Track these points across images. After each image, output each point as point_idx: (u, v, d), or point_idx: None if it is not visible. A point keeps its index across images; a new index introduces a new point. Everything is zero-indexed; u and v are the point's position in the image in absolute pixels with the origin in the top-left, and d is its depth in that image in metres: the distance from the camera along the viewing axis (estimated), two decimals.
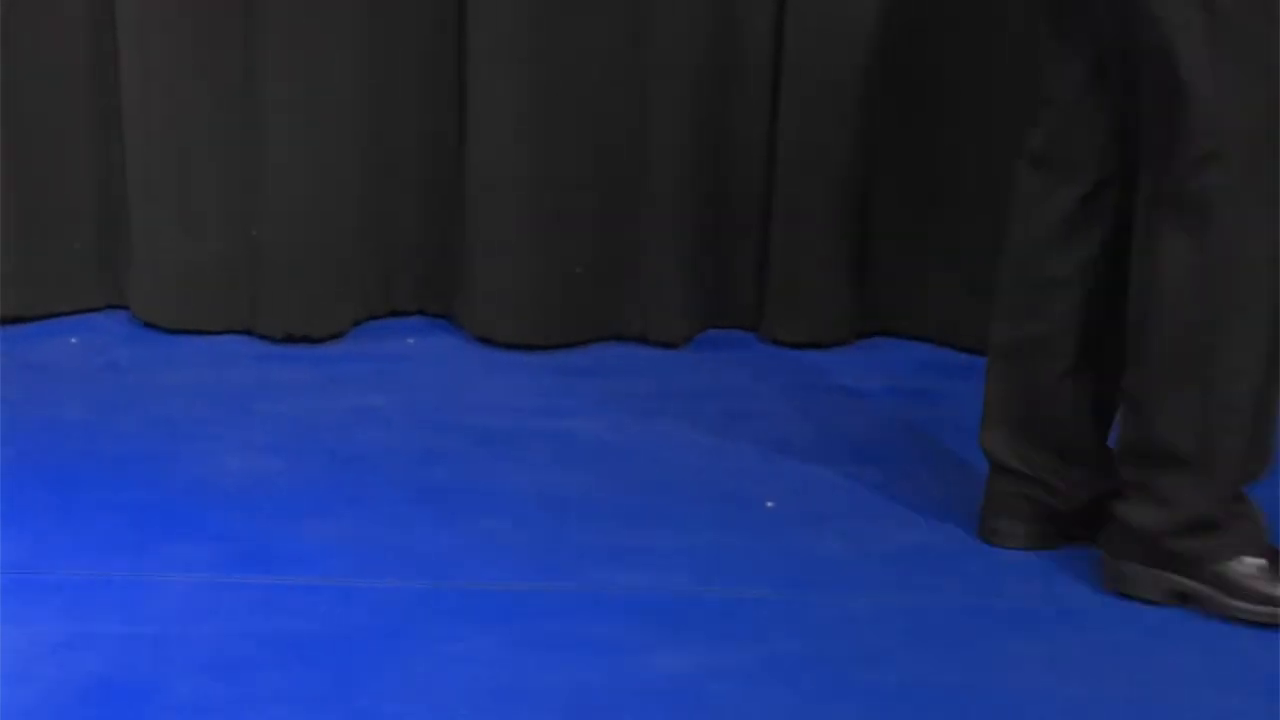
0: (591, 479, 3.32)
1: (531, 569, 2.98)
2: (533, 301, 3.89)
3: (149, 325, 3.89)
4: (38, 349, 3.79)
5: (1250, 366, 2.83)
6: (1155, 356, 2.86)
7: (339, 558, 2.98)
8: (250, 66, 3.76)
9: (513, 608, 2.86)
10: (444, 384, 3.71)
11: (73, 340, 3.85)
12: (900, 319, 4.00)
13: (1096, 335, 2.97)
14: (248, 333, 3.87)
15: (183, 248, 3.83)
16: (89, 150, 3.84)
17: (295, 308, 3.83)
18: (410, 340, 3.92)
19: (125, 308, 3.93)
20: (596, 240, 3.90)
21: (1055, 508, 3.06)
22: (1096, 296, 2.95)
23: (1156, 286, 2.81)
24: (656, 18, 3.81)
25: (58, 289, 3.89)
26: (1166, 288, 2.81)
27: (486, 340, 3.90)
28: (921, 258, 3.95)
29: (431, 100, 3.87)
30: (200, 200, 3.82)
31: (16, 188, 3.80)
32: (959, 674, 2.73)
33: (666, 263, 3.91)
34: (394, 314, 4.00)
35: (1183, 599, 2.91)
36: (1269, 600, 2.87)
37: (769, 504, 3.26)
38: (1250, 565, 2.88)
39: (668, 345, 3.93)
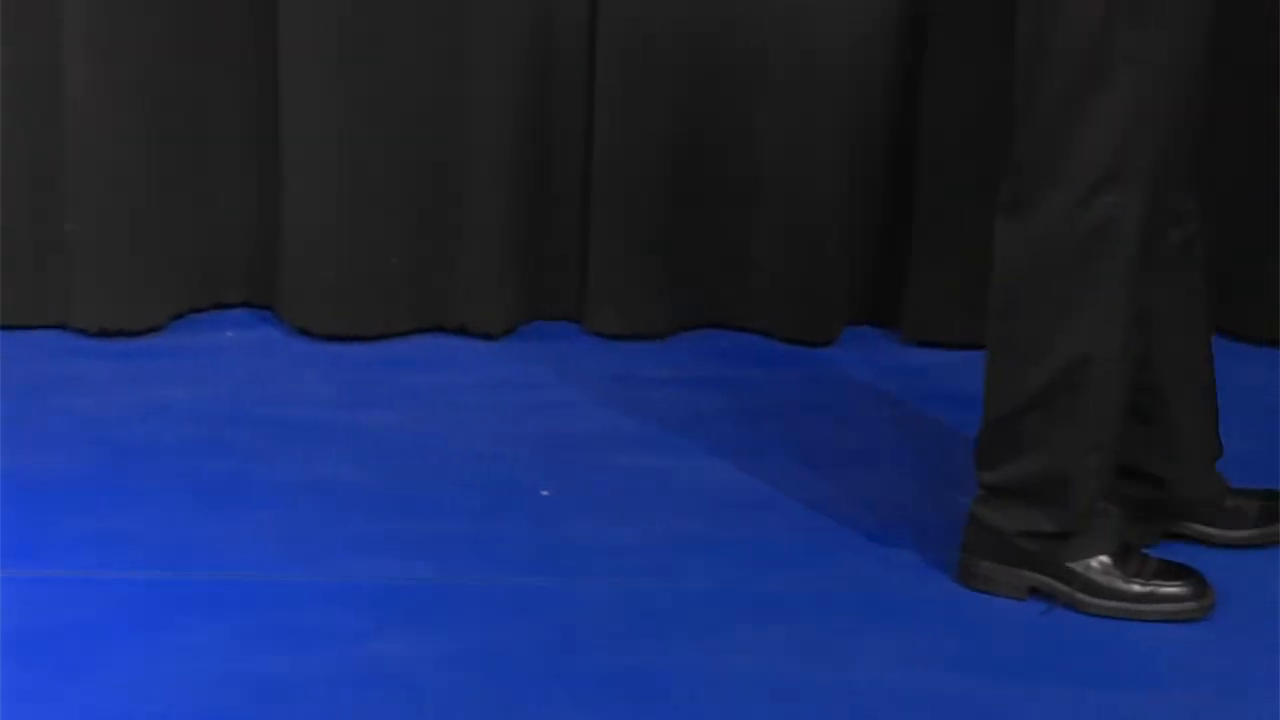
0: (372, 470, 3.33)
1: (281, 559, 3.00)
2: (351, 293, 3.89)
3: None
4: None
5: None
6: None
7: (89, 551, 2.99)
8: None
9: (250, 597, 2.88)
10: (250, 377, 3.72)
11: None
12: (723, 311, 4.00)
13: None
14: (62, 327, 3.88)
15: None
16: None
17: (109, 301, 3.84)
18: (229, 333, 3.92)
19: None
20: (415, 231, 3.90)
21: None
22: None
23: None
24: (473, 7, 3.81)
25: None
26: None
27: (306, 332, 3.91)
28: (743, 250, 3.95)
29: (246, 90, 3.87)
30: (12, 195, 3.83)
31: None
32: (674, 659, 2.74)
33: (487, 254, 3.91)
34: (219, 307, 4.01)
35: (1036, 594, 2.93)
36: (1118, 595, 2.88)
37: (544, 493, 3.27)
38: (1101, 561, 2.89)
39: (488, 337, 3.93)
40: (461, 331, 3.95)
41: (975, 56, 3.76)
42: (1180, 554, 3.00)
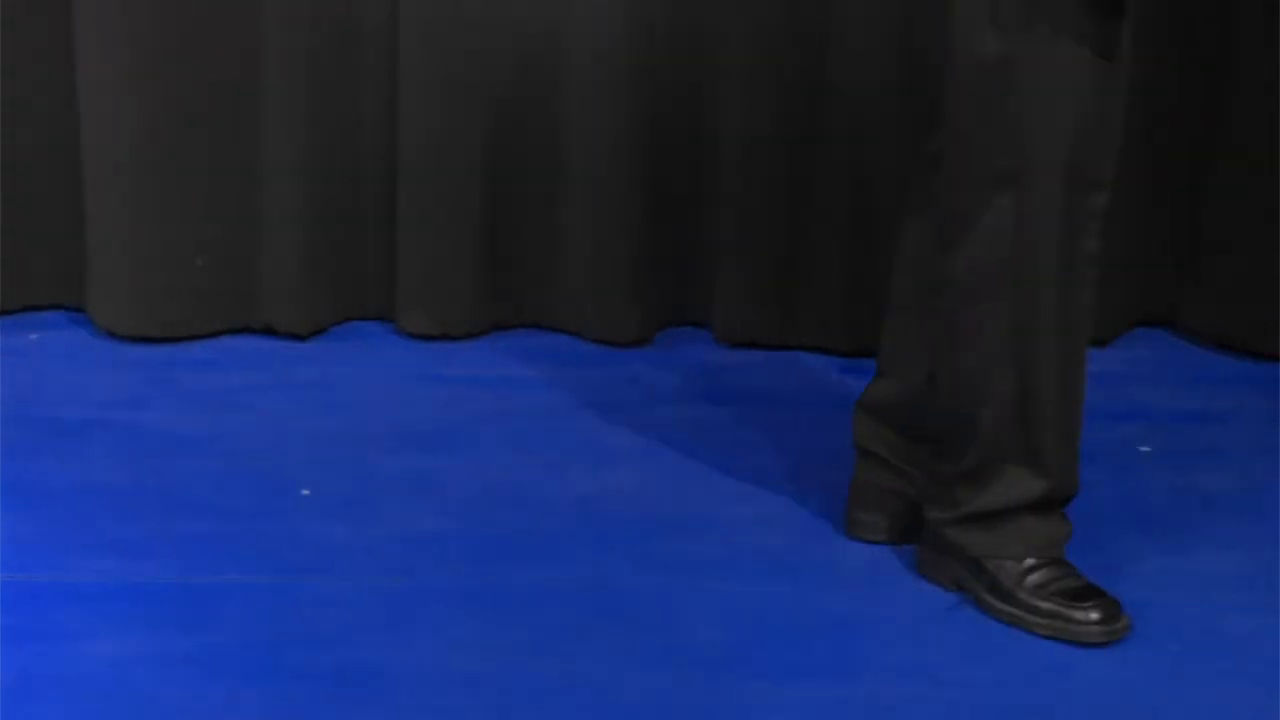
0: (137, 471, 3.30)
1: (11, 560, 2.96)
2: (155, 294, 3.86)
3: None
4: None
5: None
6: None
7: None
8: None
9: None
10: (38, 378, 3.69)
11: None
12: (537, 312, 3.96)
13: None
14: None
15: None
16: None
17: None
18: (34, 335, 3.89)
19: None
20: (221, 231, 3.87)
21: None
22: None
23: None
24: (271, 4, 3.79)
25: None
26: None
27: (113, 334, 3.88)
28: (556, 250, 3.92)
29: (50, 86, 3.86)
30: None
31: None
32: (390, 656, 2.72)
33: (293, 254, 3.88)
34: (28, 309, 3.98)
35: (960, 589, 2.92)
36: (1021, 605, 2.84)
37: (305, 492, 3.24)
38: (1018, 567, 2.85)
39: (295, 337, 3.90)
40: (269, 332, 3.92)
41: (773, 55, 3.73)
42: None
